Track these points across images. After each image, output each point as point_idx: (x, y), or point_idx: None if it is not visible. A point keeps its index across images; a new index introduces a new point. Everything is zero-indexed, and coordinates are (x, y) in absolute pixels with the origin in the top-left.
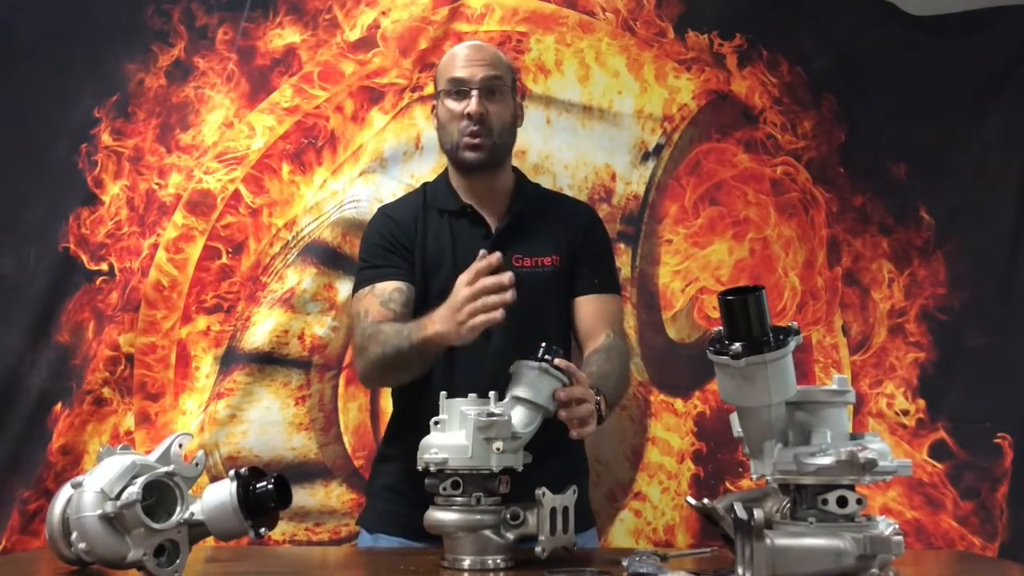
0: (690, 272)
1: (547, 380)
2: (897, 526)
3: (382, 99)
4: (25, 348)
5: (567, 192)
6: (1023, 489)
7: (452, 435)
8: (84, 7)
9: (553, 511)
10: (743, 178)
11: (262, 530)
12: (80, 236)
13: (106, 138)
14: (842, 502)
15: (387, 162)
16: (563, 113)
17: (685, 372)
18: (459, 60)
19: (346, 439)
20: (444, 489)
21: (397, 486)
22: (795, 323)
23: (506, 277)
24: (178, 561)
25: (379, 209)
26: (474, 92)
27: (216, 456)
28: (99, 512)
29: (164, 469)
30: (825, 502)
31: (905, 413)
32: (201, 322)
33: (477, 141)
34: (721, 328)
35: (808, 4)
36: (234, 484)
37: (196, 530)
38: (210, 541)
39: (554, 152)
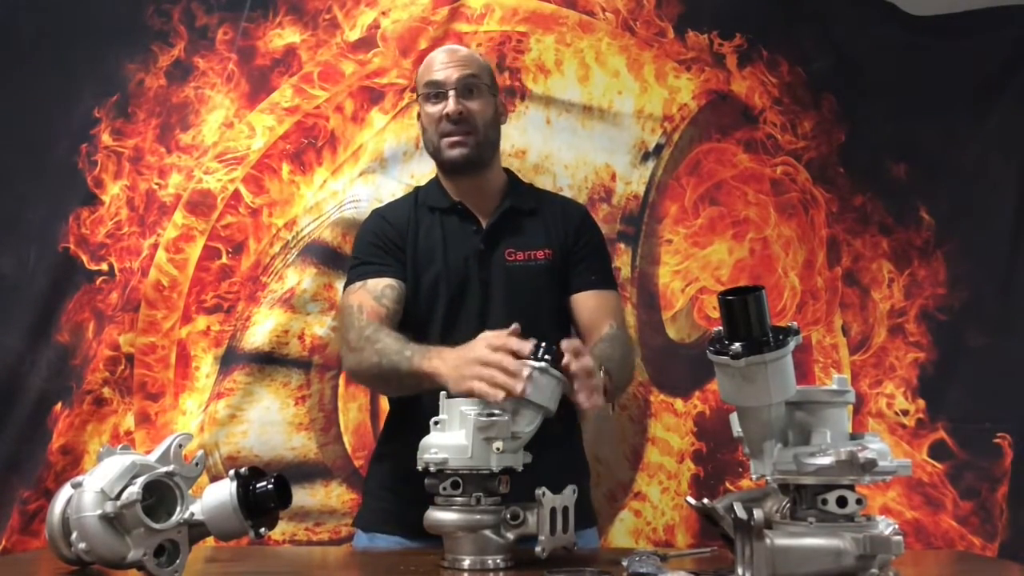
0: (690, 272)
1: (546, 379)
2: (897, 526)
3: (382, 99)
4: (25, 348)
5: (567, 192)
6: (1023, 489)
7: (452, 435)
8: (84, 7)
9: (553, 511)
10: (743, 178)
11: (262, 530)
12: (80, 236)
13: (106, 138)
14: (842, 502)
15: (387, 162)
16: (563, 113)
17: (685, 372)
18: (434, 64)
19: (346, 439)
20: (444, 489)
21: (393, 485)
22: (795, 323)
23: (525, 371)
24: (178, 561)
25: (373, 211)
26: (451, 93)
27: (216, 456)
28: (99, 512)
29: (164, 469)
30: (825, 502)
31: (905, 413)
32: (201, 322)
33: (459, 139)
34: (721, 328)
35: (808, 4)
36: (234, 484)
37: (196, 530)
38: (210, 541)
39: (554, 152)
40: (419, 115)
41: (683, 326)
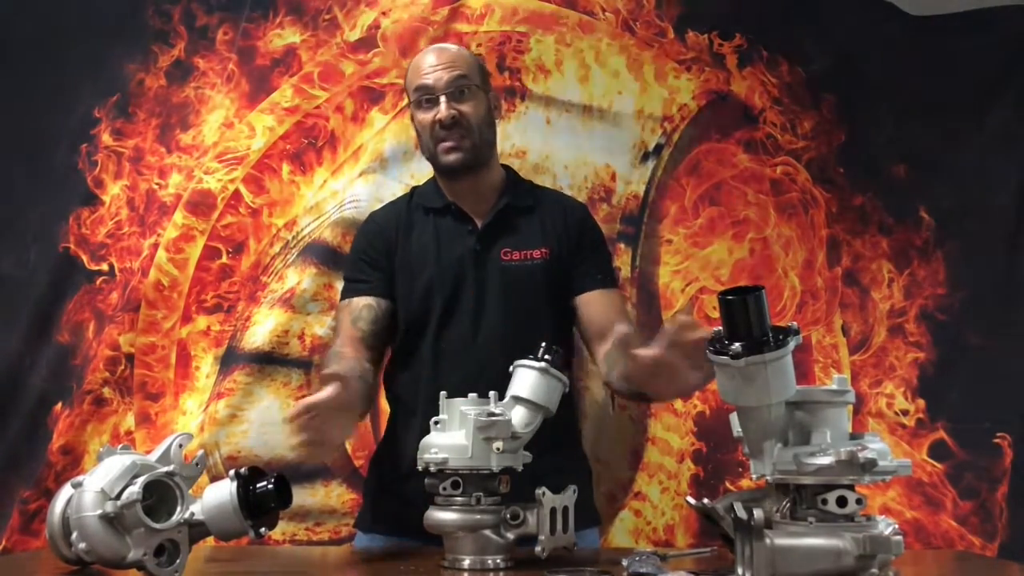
0: (690, 272)
1: (547, 380)
2: (897, 526)
3: (382, 99)
4: (25, 348)
5: (567, 192)
6: (1023, 489)
7: (452, 435)
8: (84, 7)
9: (553, 511)
10: (743, 178)
11: (262, 530)
12: (80, 236)
13: (106, 138)
14: (842, 502)
15: (387, 162)
16: (563, 113)
17: None
18: (423, 68)
19: None
20: (444, 489)
21: (391, 485)
22: (795, 323)
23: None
24: (178, 561)
25: (369, 215)
26: (442, 97)
27: (216, 456)
28: (99, 512)
29: (164, 469)
30: (825, 502)
31: (905, 413)
32: (201, 322)
33: (454, 144)
34: (721, 328)
35: (808, 4)
36: (234, 484)
37: (196, 530)
38: (210, 541)
39: (554, 152)
40: (412, 118)
41: None
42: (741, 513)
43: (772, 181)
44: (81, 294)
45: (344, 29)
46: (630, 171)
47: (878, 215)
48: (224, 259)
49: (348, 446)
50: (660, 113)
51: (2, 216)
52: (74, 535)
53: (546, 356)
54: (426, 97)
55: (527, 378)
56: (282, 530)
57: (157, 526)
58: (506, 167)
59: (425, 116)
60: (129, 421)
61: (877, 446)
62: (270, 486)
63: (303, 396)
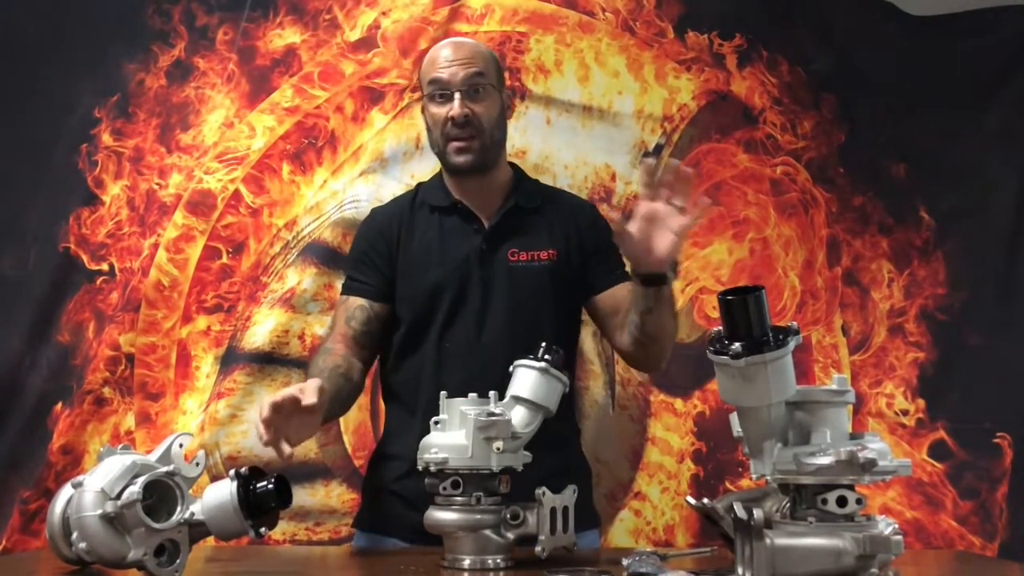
0: (690, 272)
1: (547, 380)
2: (897, 526)
3: (382, 99)
4: (25, 348)
5: None
6: (1023, 489)
7: (452, 435)
8: (84, 7)
9: (553, 511)
10: (743, 178)
11: (262, 530)
12: (80, 236)
13: (106, 138)
14: (842, 502)
15: (387, 162)
16: (563, 113)
17: (685, 372)
18: (439, 62)
19: (346, 439)
20: (444, 489)
21: (390, 485)
22: (795, 323)
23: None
24: (178, 561)
25: (372, 210)
26: (456, 94)
27: (216, 456)
28: (99, 512)
29: (164, 469)
30: (825, 502)
31: (905, 413)
32: (201, 322)
33: (464, 144)
34: (721, 328)
35: (808, 4)
36: (234, 484)
37: (196, 530)
38: (210, 541)
39: (554, 152)
40: (423, 109)
41: (683, 326)
42: (741, 513)
43: (772, 181)
44: (81, 294)
45: (344, 29)
46: (630, 171)
47: (878, 215)
48: (224, 259)
49: (348, 446)
50: (660, 113)
51: (2, 216)
52: (74, 535)
53: (546, 356)
54: (440, 92)
55: (527, 378)
56: (282, 530)
57: (157, 526)
58: (514, 166)
59: (438, 111)
60: (129, 421)
61: (877, 446)
62: (270, 486)
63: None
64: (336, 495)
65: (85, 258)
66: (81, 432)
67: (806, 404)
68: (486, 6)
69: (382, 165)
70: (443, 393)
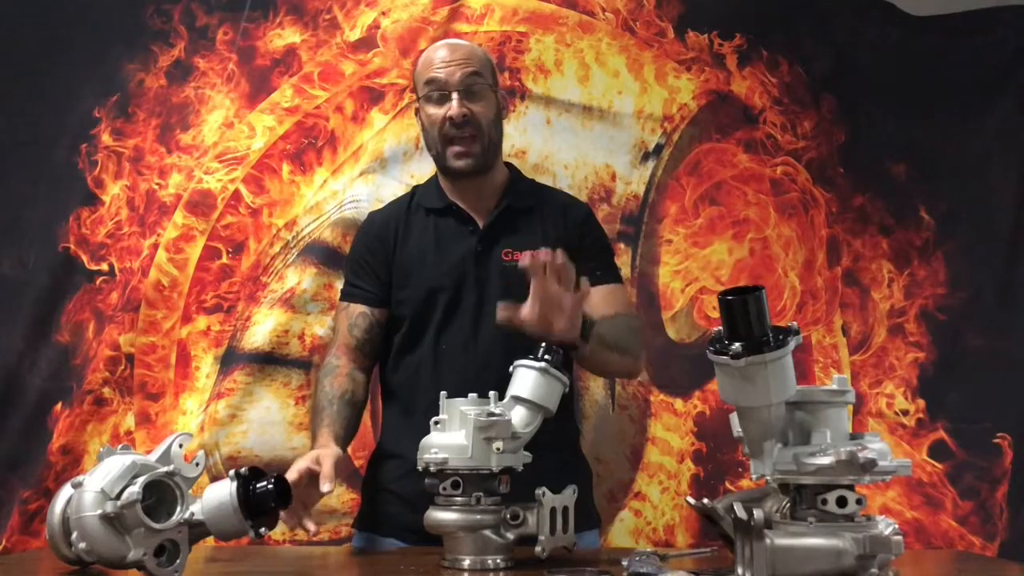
0: (690, 272)
1: (547, 380)
2: (897, 526)
3: (382, 99)
4: (25, 348)
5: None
6: (1023, 489)
7: (452, 435)
8: (84, 7)
9: (553, 511)
10: (743, 178)
11: (262, 530)
12: (80, 236)
13: (106, 138)
14: (842, 502)
15: (387, 162)
16: (563, 113)
17: (685, 372)
18: (436, 62)
19: None
20: (444, 489)
21: (389, 486)
22: (795, 323)
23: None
24: (178, 561)
25: (368, 214)
26: (454, 94)
27: (216, 456)
28: (99, 512)
29: (164, 469)
30: (825, 502)
31: (905, 413)
32: (201, 322)
33: (464, 148)
34: (721, 328)
35: (808, 4)
36: (234, 484)
37: (196, 530)
38: (210, 541)
39: (554, 152)
40: (417, 111)
41: (683, 326)
42: (741, 513)
43: (772, 181)
44: (81, 294)
45: (344, 29)
46: (630, 171)
47: (878, 215)
48: (224, 259)
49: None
50: (660, 113)
51: (2, 216)
52: (74, 535)
53: (546, 356)
54: (437, 92)
55: (527, 378)
56: (282, 530)
57: (157, 526)
58: (509, 165)
59: (435, 112)
60: (129, 421)
61: (877, 446)
62: (270, 486)
63: (303, 396)
64: (336, 495)
65: (85, 258)
66: (81, 432)
67: (806, 404)
68: (486, 6)
69: (382, 165)
70: (443, 393)
